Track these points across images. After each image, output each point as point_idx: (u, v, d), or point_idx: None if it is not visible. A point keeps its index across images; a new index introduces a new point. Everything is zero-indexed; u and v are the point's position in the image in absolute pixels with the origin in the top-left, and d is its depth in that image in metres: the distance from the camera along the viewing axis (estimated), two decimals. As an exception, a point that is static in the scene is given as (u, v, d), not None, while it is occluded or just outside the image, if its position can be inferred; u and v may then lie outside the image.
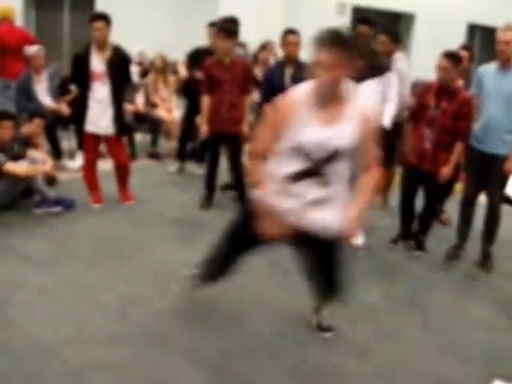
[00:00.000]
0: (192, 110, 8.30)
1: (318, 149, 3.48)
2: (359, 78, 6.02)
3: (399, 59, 6.92)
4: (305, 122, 3.48)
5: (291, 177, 3.59)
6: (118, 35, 6.90)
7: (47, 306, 4.49)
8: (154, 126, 9.47)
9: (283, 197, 3.62)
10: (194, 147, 8.89)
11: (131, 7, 12.97)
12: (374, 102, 6.07)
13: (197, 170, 8.59)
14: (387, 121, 6.15)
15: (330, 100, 3.48)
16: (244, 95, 6.87)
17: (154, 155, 9.21)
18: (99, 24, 6.36)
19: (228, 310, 4.68)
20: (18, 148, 6.68)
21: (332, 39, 3.29)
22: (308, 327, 4.49)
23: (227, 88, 6.76)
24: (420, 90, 6.15)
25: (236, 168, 7.13)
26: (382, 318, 4.78)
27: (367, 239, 6.39)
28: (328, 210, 3.63)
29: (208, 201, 7.21)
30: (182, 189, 7.90)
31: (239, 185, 7.07)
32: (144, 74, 9.87)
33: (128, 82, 7.02)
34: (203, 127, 6.95)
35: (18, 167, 6.49)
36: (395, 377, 3.98)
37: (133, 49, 7.14)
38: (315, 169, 3.55)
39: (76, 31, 13.57)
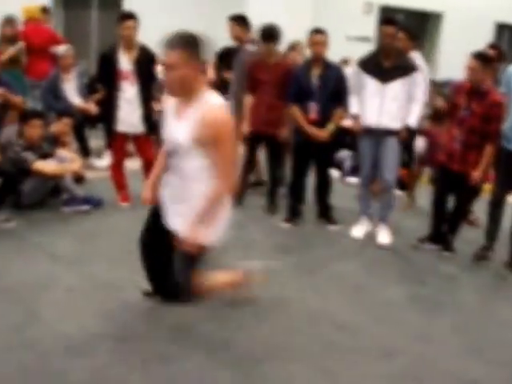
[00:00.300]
0: None
1: (168, 141, 3.74)
2: (386, 78, 6.01)
3: (416, 58, 6.86)
4: (168, 116, 3.77)
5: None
6: (144, 34, 6.90)
7: (74, 303, 4.51)
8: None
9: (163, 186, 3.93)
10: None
11: (157, 7, 12.95)
12: (401, 101, 6.04)
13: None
14: (413, 121, 6.12)
15: (181, 97, 3.60)
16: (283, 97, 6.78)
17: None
18: (129, 23, 6.37)
19: (255, 308, 4.66)
20: (47, 147, 6.72)
21: (173, 41, 3.46)
22: (335, 327, 4.46)
23: (267, 89, 6.75)
24: (452, 89, 6.11)
25: (272, 169, 7.15)
26: (409, 319, 4.74)
27: (394, 239, 6.38)
28: (180, 208, 3.76)
29: (240, 199, 7.21)
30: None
31: (274, 186, 7.16)
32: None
33: (154, 81, 7.03)
34: (244, 126, 6.97)
35: (47, 166, 6.54)
36: (422, 378, 3.93)
37: (159, 48, 7.11)
38: (169, 161, 3.76)
39: (104, 30, 13.61)
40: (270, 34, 6.72)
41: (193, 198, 3.63)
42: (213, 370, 3.78)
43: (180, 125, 3.58)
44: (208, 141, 3.47)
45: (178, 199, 3.76)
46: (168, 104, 3.81)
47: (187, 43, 3.44)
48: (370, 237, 6.48)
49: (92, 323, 4.24)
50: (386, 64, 6.02)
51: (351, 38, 13.28)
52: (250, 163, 7.29)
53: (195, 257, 3.74)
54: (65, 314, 4.33)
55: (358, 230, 6.54)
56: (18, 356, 3.79)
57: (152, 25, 9.73)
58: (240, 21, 7.60)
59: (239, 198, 7.14)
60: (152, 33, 8.35)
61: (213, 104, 3.53)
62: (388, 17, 6.31)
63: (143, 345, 4.03)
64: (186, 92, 3.54)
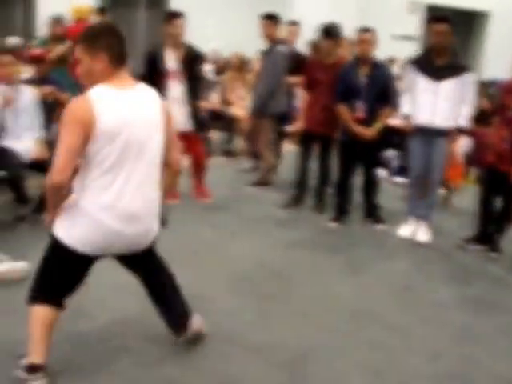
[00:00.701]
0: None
1: None
2: (438, 76, 5.91)
3: None
4: None
5: None
6: (191, 33, 6.91)
7: (121, 300, 4.50)
8: (228, 123, 9.46)
9: None
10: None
11: (204, 6, 12.99)
12: (453, 101, 5.94)
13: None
14: (464, 122, 6.01)
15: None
16: None
17: (229, 153, 9.20)
18: (178, 21, 6.41)
19: (302, 307, 4.62)
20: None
21: (79, 37, 3.31)
22: (381, 327, 4.41)
23: (323, 88, 6.71)
24: (499, 89, 6.00)
25: (321, 169, 7.10)
26: (456, 319, 4.67)
27: (437, 239, 6.32)
28: None
29: (295, 201, 7.16)
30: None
31: (322, 185, 7.14)
32: (218, 72, 9.87)
33: (201, 80, 7.03)
34: (298, 123, 7.00)
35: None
36: (469, 379, 3.86)
37: (205, 47, 7.16)
38: None
39: (151, 30, 13.69)
40: (331, 31, 6.69)
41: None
42: (259, 368, 3.75)
43: None
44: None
45: None
46: None
47: (86, 38, 3.28)
48: (413, 236, 6.42)
49: (137, 320, 4.22)
50: (438, 62, 5.93)
51: (396, 36, 13.15)
52: (306, 163, 7.21)
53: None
54: (111, 311, 4.33)
55: (406, 230, 6.46)
56: (65, 353, 3.77)
57: (198, 24, 9.79)
58: (273, 19, 7.53)
59: (299, 198, 7.11)
60: (198, 32, 8.44)
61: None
62: (440, 14, 6.19)
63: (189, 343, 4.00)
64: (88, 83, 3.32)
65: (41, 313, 3.38)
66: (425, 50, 6.33)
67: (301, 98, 7.22)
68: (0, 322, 4.15)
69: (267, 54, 7.49)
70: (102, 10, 9.93)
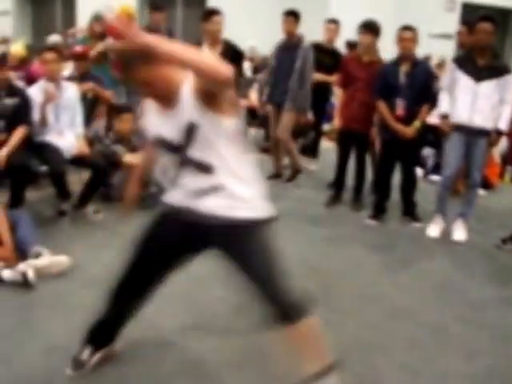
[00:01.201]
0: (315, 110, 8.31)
1: None
2: (479, 76, 5.83)
3: None
4: None
5: None
6: (228, 31, 6.91)
7: (164, 294, 4.48)
8: (267, 120, 9.43)
9: None
10: (305, 143, 8.85)
11: (242, 3, 12.99)
12: (494, 102, 5.86)
13: (309, 165, 8.53)
14: (503, 125, 5.93)
15: None
16: None
17: (267, 150, 9.18)
18: (217, 18, 6.45)
19: (341, 304, 4.59)
20: (136, 140, 6.76)
21: None
22: (419, 325, 4.37)
23: (360, 86, 6.67)
24: None
25: (358, 167, 7.07)
26: (494, 319, 4.58)
27: (474, 239, 6.25)
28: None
29: (335, 200, 7.13)
30: (293, 184, 7.89)
31: (359, 184, 7.09)
32: (256, 69, 9.86)
33: (241, 76, 7.03)
34: (336, 121, 7.00)
35: (136, 159, 6.57)
36: (507, 379, 3.79)
37: (242, 45, 7.18)
38: None
39: (188, 27, 13.72)
40: (368, 26, 6.65)
41: None
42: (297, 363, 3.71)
43: None
44: None
45: None
46: None
47: None
48: (450, 234, 6.35)
49: (181, 315, 4.22)
50: (480, 62, 5.83)
51: (433, 35, 13.03)
52: (345, 160, 7.17)
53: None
54: (154, 305, 4.32)
55: (434, 229, 6.38)
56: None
57: (235, 22, 9.78)
58: (295, 16, 7.53)
59: (337, 197, 7.09)
60: (235, 30, 8.43)
61: None
62: (486, 14, 6.09)
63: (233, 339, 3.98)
64: None
65: (307, 324, 3.05)
66: (467, 49, 6.23)
67: (338, 96, 7.15)
68: (45, 314, 4.18)
69: (289, 50, 7.43)
70: (157, 8, 9.91)
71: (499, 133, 6.00)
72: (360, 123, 6.76)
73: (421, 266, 5.55)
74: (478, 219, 6.74)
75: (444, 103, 6.10)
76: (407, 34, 6.25)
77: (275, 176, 7.90)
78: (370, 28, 6.63)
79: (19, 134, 5.76)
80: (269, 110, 7.82)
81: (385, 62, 6.69)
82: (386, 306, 4.67)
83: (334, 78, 7.67)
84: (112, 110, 6.84)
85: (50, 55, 6.08)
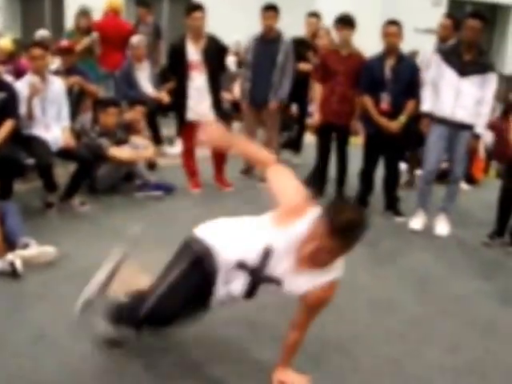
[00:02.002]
0: (287, 101, 8.32)
1: None
2: (464, 71, 5.90)
3: None
4: None
5: None
6: (214, 26, 6.98)
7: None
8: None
9: None
10: (289, 136, 8.91)
11: (226, 0, 13.01)
12: (476, 97, 5.92)
13: (293, 158, 8.59)
14: (480, 129, 6.02)
15: None
16: (356, 88, 6.68)
17: (252, 143, 9.26)
18: (197, 14, 6.49)
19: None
20: (121, 134, 6.85)
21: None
22: (401, 318, 4.43)
23: (340, 79, 6.70)
24: None
25: (340, 160, 7.11)
26: (476, 313, 4.65)
27: (458, 233, 6.32)
28: None
29: (317, 193, 7.16)
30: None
31: (341, 177, 7.12)
32: (241, 63, 9.91)
33: (224, 71, 7.08)
34: (315, 115, 6.99)
35: (121, 152, 6.68)
36: (487, 373, 3.84)
37: (227, 39, 7.21)
38: None
39: (174, 23, 13.75)
40: (346, 20, 6.68)
41: None
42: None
43: None
44: None
45: None
46: None
47: None
48: (433, 229, 6.41)
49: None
50: (466, 57, 5.89)
51: (419, 30, 13.11)
52: (326, 154, 7.21)
53: None
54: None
55: (416, 223, 6.44)
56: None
57: (221, 17, 9.86)
58: (277, 11, 7.36)
59: (321, 189, 7.14)
60: (221, 24, 8.50)
61: None
62: (477, 11, 6.15)
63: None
64: None
65: None
66: (455, 43, 6.29)
67: (315, 91, 7.12)
68: (32, 304, 4.26)
69: (269, 44, 7.29)
70: (143, 3, 9.99)
71: (476, 136, 6.04)
72: (340, 117, 6.79)
73: (403, 260, 5.61)
74: (461, 214, 6.81)
75: (427, 101, 6.14)
76: (392, 29, 6.30)
77: (246, 171, 7.92)
78: (348, 22, 6.67)
79: (7, 127, 5.82)
80: (245, 107, 7.79)
81: (364, 54, 6.76)
82: (367, 299, 4.72)
83: (307, 67, 7.69)
84: (98, 104, 6.91)
85: (37, 51, 6.13)
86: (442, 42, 6.95)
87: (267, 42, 7.24)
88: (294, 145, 8.81)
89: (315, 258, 3.05)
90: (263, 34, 7.29)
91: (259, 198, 6.91)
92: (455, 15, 7.32)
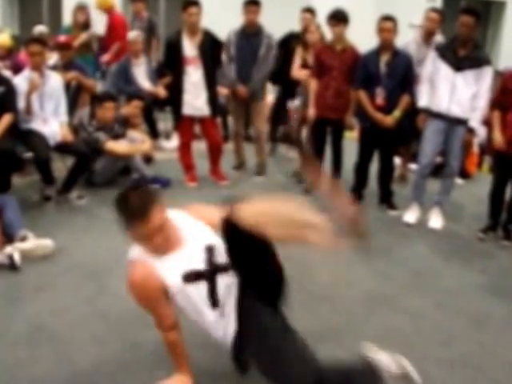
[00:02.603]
0: (284, 95, 8.33)
1: None
2: (459, 66, 5.92)
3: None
4: None
5: None
6: (210, 22, 7.00)
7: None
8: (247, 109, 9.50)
9: None
10: (285, 131, 8.92)
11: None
12: (472, 92, 5.94)
13: (288, 153, 8.62)
14: (475, 123, 6.02)
15: None
16: (351, 83, 6.67)
17: (247, 138, 9.27)
18: (193, 9, 6.49)
19: (317, 289, 4.71)
20: (118, 128, 6.87)
21: None
22: (395, 311, 4.45)
23: (335, 74, 6.70)
24: (505, 78, 5.97)
25: (335, 154, 7.12)
26: (469, 306, 4.65)
27: (451, 226, 6.35)
28: None
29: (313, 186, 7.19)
30: (272, 172, 7.97)
31: (336, 171, 7.13)
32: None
33: (219, 65, 7.10)
34: (310, 110, 6.99)
35: (118, 146, 6.71)
36: (481, 365, 3.85)
37: (224, 35, 7.20)
38: None
39: (171, 18, 13.76)
40: (340, 16, 6.67)
41: None
42: None
43: None
44: None
45: None
46: None
47: None
48: (427, 222, 6.42)
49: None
50: (461, 52, 5.90)
51: (414, 26, 13.13)
52: (322, 148, 7.19)
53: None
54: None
55: (410, 217, 6.47)
56: (92, 326, 3.92)
57: (217, 13, 9.87)
58: (259, 5, 7.24)
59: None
60: (217, 20, 8.50)
61: None
62: (469, 6, 6.15)
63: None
64: None
65: None
66: (450, 39, 6.30)
67: (311, 88, 7.08)
68: (30, 295, 4.30)
69: (250, 38, 7.20)
70: None
71: (471, 130, 6.04)
72: (335, 111, 6.81)
73: (397, 253, 5.62)
74: (455, 207, 6.84)
75: (424, 97, 6.16)
76: (387, 25, 6.30)
77: (239, 167, 7.96)
78: (341, 18, 6.66)
79: (5, 121, 5.84)
80: (229, 101, 7.78)
81: (359, 49, 6.75)
82: (362, 291, 4.74)
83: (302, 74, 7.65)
84: (95, 99, 6.93)
85: (35, 47, 6.15)
86: (428, 36, 6.96)
87: (249, 36, 7.17)
88: (290, 140, 8.81)
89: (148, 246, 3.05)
90: (244, 28, 7.21)
91: (254, 191, 6.99)
92: (445, 10, 7.33)
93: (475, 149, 8.53)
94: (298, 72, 7.59)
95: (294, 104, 7.84)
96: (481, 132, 7.70)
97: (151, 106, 8.45)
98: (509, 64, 10.84)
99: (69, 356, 3.58)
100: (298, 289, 4.57)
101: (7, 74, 6.85)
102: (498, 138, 5.85)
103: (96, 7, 9.69)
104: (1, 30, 10.44)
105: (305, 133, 7.80)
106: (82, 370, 3.46)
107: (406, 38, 7.20)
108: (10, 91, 5.95)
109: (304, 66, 7.53)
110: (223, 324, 3.05)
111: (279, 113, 8.63)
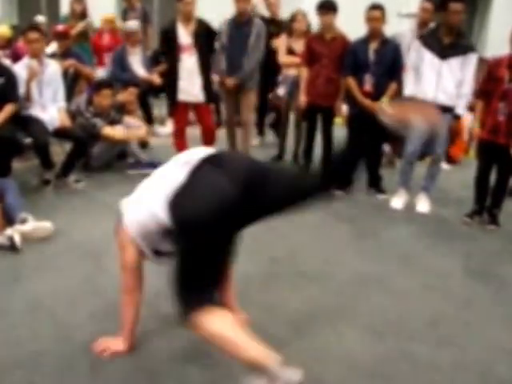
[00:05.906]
0: (266, 83, 8.28)
1: None
2: (444, 54, 5.94)
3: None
4: None
5: None
6: (205, 10, 7.02)
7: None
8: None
9: None
10: (275, 117, 8.92)
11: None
12: (457, 80, 5.96)
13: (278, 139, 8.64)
14: (461, 110, 6.07)
15: None
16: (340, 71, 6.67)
17: (239, 124, 9.27)
18: None
19: (306, 269, 4.74)
20: (115, 114, 6.89)
21: None
22: (383, 291, 4.48)
23: (325, 62, 6.73)
24: (490, 65, 5.96)
25: (326, 141, 7.12)
26: (454, 288, 4.67)
27: (438, 211, 6.39)
28: None
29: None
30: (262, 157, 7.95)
31: (327, 156, 7.08)
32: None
33: (213, 53, 7.10)
34: (301, 98, 7.01)
35: (115, 131, 6.73)
36: (466, 345, 3.86)
37: (218, 23, 7.18)
38: None
39: (165, 8, 13.74)
40: (328, 5, 6.66)
41: None
42: (265, 325, 3.76)
43: None
44: None
45: None
46: None
47: None
48: (414, 206, 6.47)
49: (158, 278, 4.33)
50: (445, 40, 5.92)
51: (402, 15, 13.10)
52: (312, 134, 7.25)
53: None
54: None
55: (398, 201, 6.51)
56: (90, 304, 3.93)
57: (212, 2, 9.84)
58: None
59: (307, 167, 7.13)
60: (212, 9, 8.49)
61: None
62: None
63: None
64: None
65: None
66: (434, 27, 6.31)
67: (302, 76, 7.10)
68: (30, 276, 4.33)
69: (241, 27, 7.14)
70: None
71: (457, 117, 6.09)
72: (326, 98, 6.83)
73: (385, 236, 5.64)
74: (442, 192, 6.87)
75: (409, 85, 6.18)
76: (375, 14, 6.30)
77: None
78: (330, 7, 6.66)
79: (8, 110, 5.87)
80: (220, 91, 7.77)
81: (346, 36, 6.77)
82: (350, 272, 4.75)
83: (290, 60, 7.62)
84: (92, 85, 6.96)
85: (33, 35, 6.17)
86: (422, 26, 6.98)
87: (240, 25, 7.14)
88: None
89: None
90: (236, 18, 7.17)
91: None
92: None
93: (465, 135, 8.56)
94: (285, 58, 7.60)
95: (279, 93, 7.81)
96: (468, 118, 7.74)
97: (146, 92, 8.47)
98: (495, 52, 10.83)
99: (68, 335, 3.59)
100: (288, 270, 4.67)
101: (7, 62, 6.86)
102: (476, 129, 5.96)
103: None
104: (1, 22, 10.45)
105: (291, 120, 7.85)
106: (81, 349, 3.45)
107: (396, 28, 7.20)
108: (11, 81, 5.96)
109: (289, 53, 7.55)
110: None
111: (264, 100, 8.55)
